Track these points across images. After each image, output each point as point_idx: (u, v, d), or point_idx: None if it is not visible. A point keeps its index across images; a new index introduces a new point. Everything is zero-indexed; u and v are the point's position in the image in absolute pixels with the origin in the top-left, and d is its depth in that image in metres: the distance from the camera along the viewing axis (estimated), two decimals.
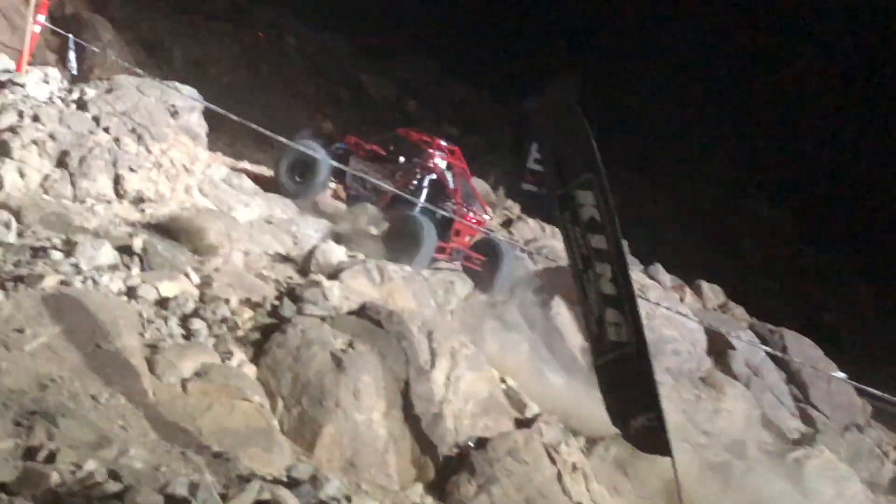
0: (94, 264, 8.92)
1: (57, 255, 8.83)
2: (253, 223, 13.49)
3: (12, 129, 10.96)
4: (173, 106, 13.13)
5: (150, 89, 13.31)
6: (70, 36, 15.78)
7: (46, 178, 10.76)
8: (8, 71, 13.09)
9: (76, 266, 8.70)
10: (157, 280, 9.22)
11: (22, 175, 10.56)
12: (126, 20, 30.59)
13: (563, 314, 15.26)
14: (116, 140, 11.64)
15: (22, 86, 12.12)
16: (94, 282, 8.51)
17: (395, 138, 16.28)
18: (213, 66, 30.53)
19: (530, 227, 22.44)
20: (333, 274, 11.60)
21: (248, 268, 11.40)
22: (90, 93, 12.46)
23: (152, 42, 30.80)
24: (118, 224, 10.54)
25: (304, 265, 12.01)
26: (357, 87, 36.74)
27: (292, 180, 15.82)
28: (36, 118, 11.31)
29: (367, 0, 37.88)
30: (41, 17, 14.11)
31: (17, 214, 9.75)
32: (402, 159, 15.86)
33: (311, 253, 12.16)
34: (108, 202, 11.04)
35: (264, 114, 20.07)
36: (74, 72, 15.10)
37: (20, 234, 9.36)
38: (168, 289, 9.22)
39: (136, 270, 9.35)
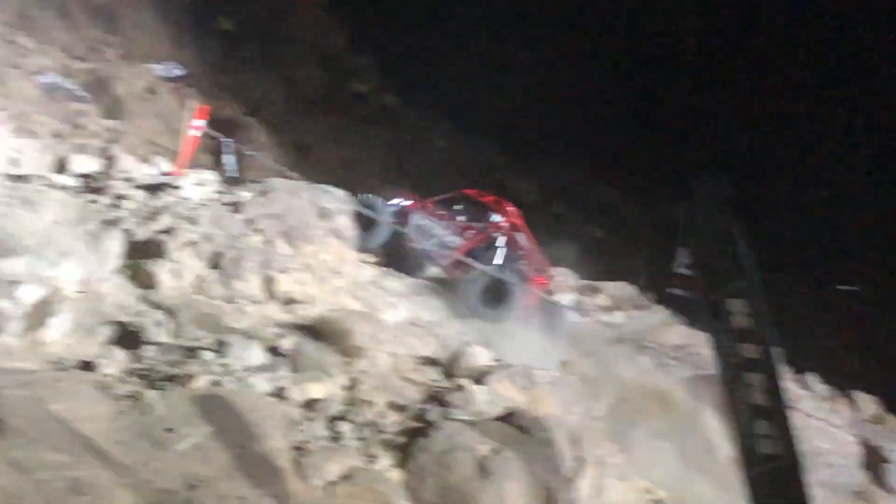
0: (244, 364, 9.20)
1: (208, 354, 9.17)
2: (399, 325, 13.69)
3: (169, 231, 11.48)
4: (324, 208, 13.50)
5: (302, 191, 13.76)
6: (226, 139, 16.50)
7: (200, 278, 11.18)
8: (166, 173, 13.77)
9: (227, 366, 9.00)
10: (304, 381, 9.43)
11: (177, 276, 11.01)
12: (279, 123, 31.78)
13: (711, 423, 14.95)
14: (268, 242, 12.05)
15: (179, 188, 12.70)
16: (244, 382, 8.76)
17: (462, 199, 16.86)
18: (361, 168, 31.30)
19: (678, 333, 22.13)
20: (479, 378, 11.64)
21: (395, 370, 11.53)
22: (244, 195, 12.96)
23: (304, 144, 31.88)
24: (268, 325, 10.84)
25: (450, 368, 12.07)
26: (502, 189, 37.21)
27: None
28: (192, 220, 11.82)
29: (513, 103, 38.51)
30: (200, 122, 14.82)
31: (171, 314, 10.18)
32: (468, 219, 16.53)
33: (457, 356, 12.24)
34: (259, 303, 11.39)
35: None
36: (230, 174, 15.74)
37: (173, 334, 9.77)
38: (315, 390, 9.42)
39: (284, 371, 9.58)
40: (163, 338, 9.51)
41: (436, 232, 16.40)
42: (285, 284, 11.81)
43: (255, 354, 9.51)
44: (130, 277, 10.93)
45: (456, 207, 16.93)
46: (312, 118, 34.12)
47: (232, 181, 15.09)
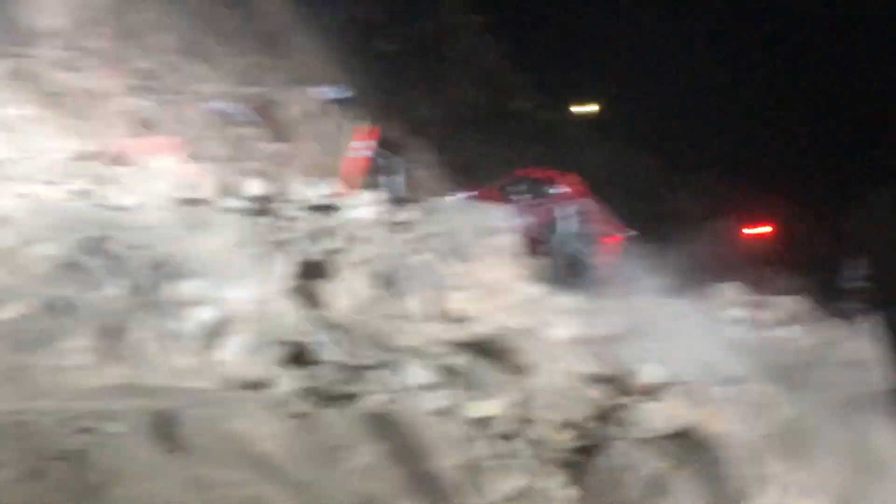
0: (414, 382, 9.35)
1: (379, 373, 9.35)
2: (569, 341, 13.67)
3: (338, 251, 11.75)
4: (489, 226, 13.60)
5: (467, 209, 13.91)
6: (392, 159, 16.80)
7: (369, 297, 11.40)
8: (334, 194, 14.10)
9: (397, 384, 9.15)
10: (474, 399, 9.52)
11: (346, 295, 11.25)
12: (442, 142, 32.15)
13: (887, 438, 14.42)
14: (435, 260, 12.20)
15: (347, 208, 12.98)
16: (414, 400, 8.90)
17: (518, 180, 17.69)
18: None
19: (851, 347, 21.43)
20: (652, 394, 11.55)
21: (565, 387, 11.53)
22: (411, 214, 13.18)
23: (466, 162, 32.16)
24: (437, 343, 10.98)
25: (621, 385, 12.01)
26: (662, 203, 36.79)
27: None
28: (360, 240, 12.07)
29: (675, 117, 38.12)
30: (366, 143, 15.14)
31: (341, 333, 10.44)
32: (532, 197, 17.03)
33: (628, 372, 12.16)
34: (427, 321, 11.53)
35: None
36: (396, 194, 16.01)
37: (344, 353, 10.00)
38: (485, 408, 9.49)
39: (453, 389, 9.69)
40: (334, 356, 9.75)
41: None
42: (453, 302, 11.93)
43: (425, 373, 9.65)
44: (301, 297, 11.22)
45: (519, 189, 17.55)
46: (474, 136, 34.43)
47: (398, 200, 15.33)
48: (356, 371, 9.46)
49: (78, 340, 8.76)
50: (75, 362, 8.54)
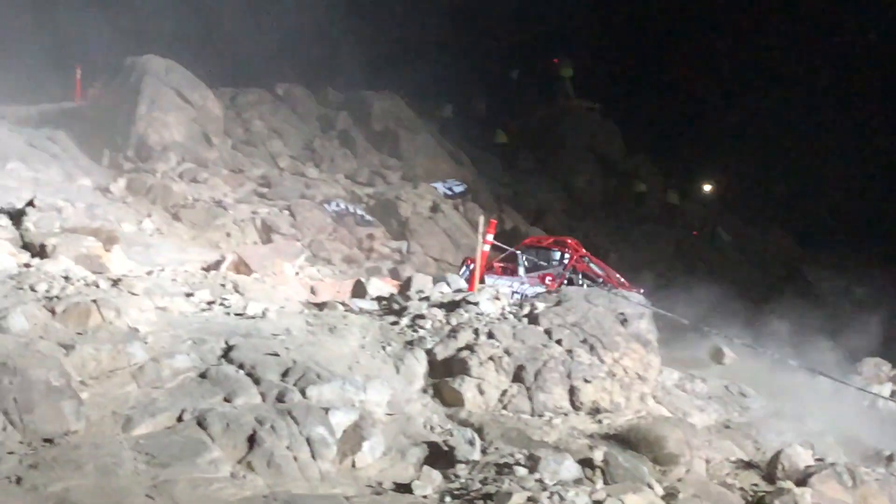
0: (558, 479, 9.20)
1: (521, 470, 9.24)
2: (710, 428, 13.44)
3: (469, 347, 11.75)
4: (622, 313, 13.47)
5: (597, 298, 13.80)
6: (518, 251, 16.87)
7: (504, 393, 11.36)
8: (461, 290, 14.15)
9: (541, 482, 9.02)
10: (621, 493, 9.31)
11: (481, 391, 11.23)
12: (562, 229, 32.12)
13: None
14: (569, 351, 12.12)
15: (475, 304, 13.00)
16: (560, 497, 8.73)
17: (527, 250, 18.57)
18: (648, 269, 31.11)
19: None
20: (801, 479, 11.24)
21: (711, 476, 11.32)
22: (540, 306, 13.13)
23: (588, 249, 32.04)
24: (577, 436, 10.85)
25: (769, 471, 11.73)
26: (801, 280, 36.10)
27: None
28: (490, 335, 12.06)
29: (804, 192, 37.60)
30: (489, 236, 15.23)
31: (479, 431, 10.39)
32: (542, 264, 18.05)
33: (775, 458, 11.86)
34: (566, 414, 11.43)
35: (703, 310, 20.23)
36: (526, 286, 16.01)
37: (483, 451, 9.94)
38: (633, 502, 9.30)
39: (599, 484, 9.53)
40: (474, 456, 9.68)
41: (514, 288, 17.14)
42: (590, 394, 11.81)
43: (568, 468, 9.50)
44: (436, 396, 11.24)
45: (526, 258, 18.42)
46: (595, 222, 34.37)
47: (526, 291, 15.35)
48: (497, 469, 9.37)
49: (216, 452, 8.87)
50: (214, 474, 8.63)
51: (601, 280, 18.21)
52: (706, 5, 41.23)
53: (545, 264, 18.45)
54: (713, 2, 40.89)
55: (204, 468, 8.65)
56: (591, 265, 18.88)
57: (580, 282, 17.81)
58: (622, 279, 19.10)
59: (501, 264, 18.68)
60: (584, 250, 19.24)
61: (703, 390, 14.99)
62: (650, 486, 9.80)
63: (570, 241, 19.79)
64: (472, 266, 17.38)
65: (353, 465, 9.36)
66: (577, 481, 9.37)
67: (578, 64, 40.64)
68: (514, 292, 16.99)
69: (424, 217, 28.27)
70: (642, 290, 18.99)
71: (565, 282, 17.69)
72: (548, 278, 17.93)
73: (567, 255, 18.54)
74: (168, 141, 30.50)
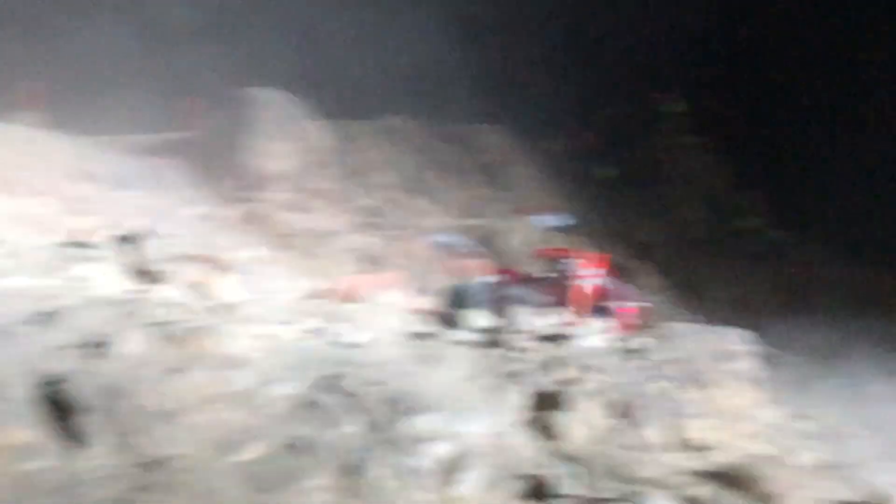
0: None
1: None
2: (815, 468, 13.18)
3: (571, 381, 11.72)
4: (727, 350, 13.33)
5: (702, 334, 13.68)
6: (621, 286, 16.82)
7: (607, 427, 11.29)
8: (565, 323, 14.14)
9: None
10: None
11: (583, 426, 11.17)
12: (668, 265, 31.91)
13: None
14: (673, 387, 12.02)
15: (578, 337, 12.98)
16: None
17: (540, 261, 19.39)
18: (751, 305, 30.69)
19: None
20: None
21: None
22: (644, 341, 13.06)
23: (693, 284, 31.75)
24: (679, 473, 10.73)
25: None
26: None
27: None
28: (594, 369, 12.02)
29: None
30: (597, 270, 15.24)
31: (581, 466, 10.34)
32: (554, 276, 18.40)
33: (883, 499, 11.61)
34: (668, 451, 11.31)
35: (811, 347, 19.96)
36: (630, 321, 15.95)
37: (585, 486, 9.90)
38: None
39: None
40: (573, 490, 9.65)
41: (529, 298, 17.37)
42: (694, 431, 11.68)
43: None
44: (537, 429, 11.20)
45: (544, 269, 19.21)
46: (700, 258, 34.03)
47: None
48: None
49: (318, 479, 8.98)
50: (316, 502, 8.75)
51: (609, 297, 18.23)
52: (816, 44, 40.54)
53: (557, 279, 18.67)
54: (825, 41, 40.16)
55: (306, 495, 8.78)
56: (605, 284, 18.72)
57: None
58: (634, 300, 19.00)
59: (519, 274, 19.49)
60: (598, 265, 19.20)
61: (811, 428, 14.73)
62: None
63: (583, 254, 20.03)
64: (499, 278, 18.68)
65: (453, 497, 9.42)
66: None
67: (687, 99, 40.33)
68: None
69: (530, 250, 28.29)
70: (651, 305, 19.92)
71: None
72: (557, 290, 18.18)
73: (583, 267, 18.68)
74: (279, 171, 31.08)
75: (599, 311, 17.18)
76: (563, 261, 18.90)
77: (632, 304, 18.10)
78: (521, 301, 17.46)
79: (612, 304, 17.79)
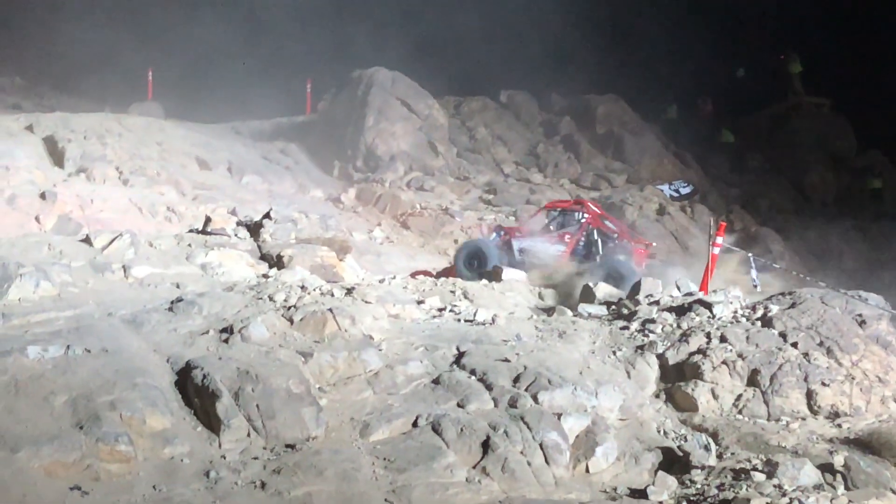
0: (797, 484, 8.99)
1: (758, 476, 9.06)
2: None
3: (702, 351, 11.57)
4: (860, 315, 12.99)
5: (833, 299, 13.33)
6: (750, 254, 16.51)
7: (739, 397, 11.12)
8: (691, 294, 13.95)
9: (779, 487, 8.84)
10: (863, 499, 9.03)
11: (715, 396, 11.04)
12: (793, 230, 31.25)
13: None
14: (805, 355, 11.75)
15: (707, 307, 12.79)
16: (800, 503, 8.57)
17: (548, 213, 20.64)
18: (887, 267, 29.85)
19: None
20: None
21: None
22: (773, 308, 12.78)
23: (821, 249, 31.06)
24: (815, 441, 10.53)
25: None
26: None
27: (470, 269, 18.75)
28: (723, 338, 11.83)
29: None
30: (719, 238, 14.99)
31: (714, 436, 10.24)
32: (562, 226, 20.02)
33: None
34: (803, 419, 11.08)
35: None
36: (757, 288, 15.64)
37: (719, 456, 9.80)
38: None
39: (840, 489, 9.25)
40: (710, 461, 9.57)
41: (539, 247, 19.39)
42: (828, 398, 11.42)
43: (807, 473, 9.25)
44: (668, 401, 11.11)
45: (549, 221, 20.43)
46: (827, 220, 33.22)
47: (758, 295, 14.99)
48: (734, 475, 9.23)
49: (451, 457, 9.06)
50: (450, 479, 8.81)
51: (615, 235, 19.85)
52: None
53: (565, 226, 20.11)
54: None
55: (440, 473, 8.86)
56: (607, 222, 20.33)
57: (595, 237, 19.56)
58: (637, 236, 21.18)
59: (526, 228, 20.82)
60: (599, 210, 20.93)
61: None
62: (894, 492, 9.45)
63: (586, 202, 21.59)
64: (503, 234, 20.16)
65: (587, 471, 9.40)
66: (818, 487, 9.12)
67: (807, 59, 39.34)
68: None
69: (651, 220, 28.05)
70: (654, 244, 21.50)
71: (582, 239, 19.58)
72: (567, 236, 19.59)
73: (584, 215, 20.02)
74: (395, 151, 31.35)
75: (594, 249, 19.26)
76: (570, 211, 20.33)
77: (642, 245, 20.08)
78: (531, 252, 19.34)
79: (625, 242, 19.71)
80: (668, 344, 11.83)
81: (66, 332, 10.48)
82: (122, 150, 26.07)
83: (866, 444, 10.66)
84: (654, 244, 21.72)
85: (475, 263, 18.95)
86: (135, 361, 9.94)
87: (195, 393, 9.54)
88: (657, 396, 11.23)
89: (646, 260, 19.53)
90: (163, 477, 8.37)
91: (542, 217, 20.86)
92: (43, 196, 22.31)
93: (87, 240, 14.31)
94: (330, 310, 11.34)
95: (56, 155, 25.26)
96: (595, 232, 19.75)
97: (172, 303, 11.70)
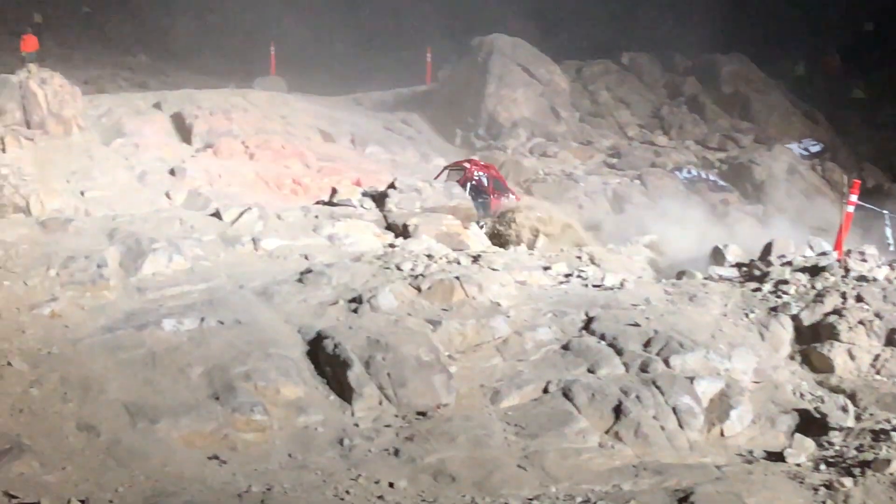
0: None
1: None
2: None
3: (837, 312, 11.29)
4: None
5: None
6: (886, 211, 16.07)
7: (876, 357, 10.83)
8: (826, 253, 13.63)
9: None
10: None
11: (852, 357, 10.77)
12: None
13: None
14: None
15: (840, 267, 12.50)
16: None
17: (456, 166, 24.32)
18: None
19: None
20: None
21: None
22: None
23: None
24: None
25: None
26: None
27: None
28: (859, 298, 11.53)
29: None
30: (853, 197, 14.60)
31: (851, 397, 10.02)
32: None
33: None
34: None
35: None
36: (892, 247, 15.24)
37: (857, 418, 9.60)
38: None
39: None
40: (847, 422, 9.39)
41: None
42: None
43: None
44: (804, 363, 10.88)
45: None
46: None
47: (893, 254, 14.62)
48: (873, 436, 9.02)
49: (583, 422, 9.05)
50: (583, 444, 8.81)
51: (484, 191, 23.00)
52: None
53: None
54: None
55: (572, 438, 8.87)
56: (483, 179, 23.33)
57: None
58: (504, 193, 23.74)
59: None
60: (479, 169, 23.80)
61: None
62: None
63: (470, 161, 24.76)
64: (474, 181, 23.23)
65: (722, 434, 9.30)
66: None
67: None
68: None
69: (780, 179, 27.46)
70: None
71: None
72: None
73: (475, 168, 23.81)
74: (517, 117, 31.29)
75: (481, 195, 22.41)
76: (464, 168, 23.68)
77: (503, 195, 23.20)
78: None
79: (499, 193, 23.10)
80: (802, 305, 11.57)
81: (200, 304, 10.74)
82: (248, 125, 26.53)
83: None
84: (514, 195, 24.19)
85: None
86: (267, 332, 10.14)
87: (326, 362, 9.68)
88: (792, 358, 11.00)
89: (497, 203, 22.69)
90: (297, 445, 8.53)
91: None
92: (172, 172, 22.89)
93: (216, 214, 14.56)
94: (457, 277, 11.39)
95: (183, 131, 25.88)
96: (470, 184, 22.85)
97: (301, 274, 11.85)
